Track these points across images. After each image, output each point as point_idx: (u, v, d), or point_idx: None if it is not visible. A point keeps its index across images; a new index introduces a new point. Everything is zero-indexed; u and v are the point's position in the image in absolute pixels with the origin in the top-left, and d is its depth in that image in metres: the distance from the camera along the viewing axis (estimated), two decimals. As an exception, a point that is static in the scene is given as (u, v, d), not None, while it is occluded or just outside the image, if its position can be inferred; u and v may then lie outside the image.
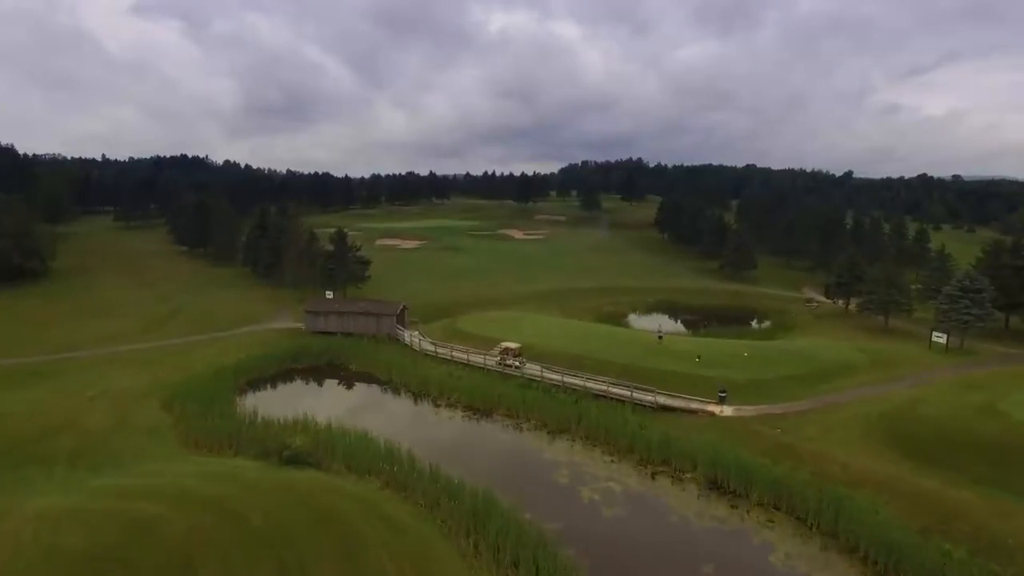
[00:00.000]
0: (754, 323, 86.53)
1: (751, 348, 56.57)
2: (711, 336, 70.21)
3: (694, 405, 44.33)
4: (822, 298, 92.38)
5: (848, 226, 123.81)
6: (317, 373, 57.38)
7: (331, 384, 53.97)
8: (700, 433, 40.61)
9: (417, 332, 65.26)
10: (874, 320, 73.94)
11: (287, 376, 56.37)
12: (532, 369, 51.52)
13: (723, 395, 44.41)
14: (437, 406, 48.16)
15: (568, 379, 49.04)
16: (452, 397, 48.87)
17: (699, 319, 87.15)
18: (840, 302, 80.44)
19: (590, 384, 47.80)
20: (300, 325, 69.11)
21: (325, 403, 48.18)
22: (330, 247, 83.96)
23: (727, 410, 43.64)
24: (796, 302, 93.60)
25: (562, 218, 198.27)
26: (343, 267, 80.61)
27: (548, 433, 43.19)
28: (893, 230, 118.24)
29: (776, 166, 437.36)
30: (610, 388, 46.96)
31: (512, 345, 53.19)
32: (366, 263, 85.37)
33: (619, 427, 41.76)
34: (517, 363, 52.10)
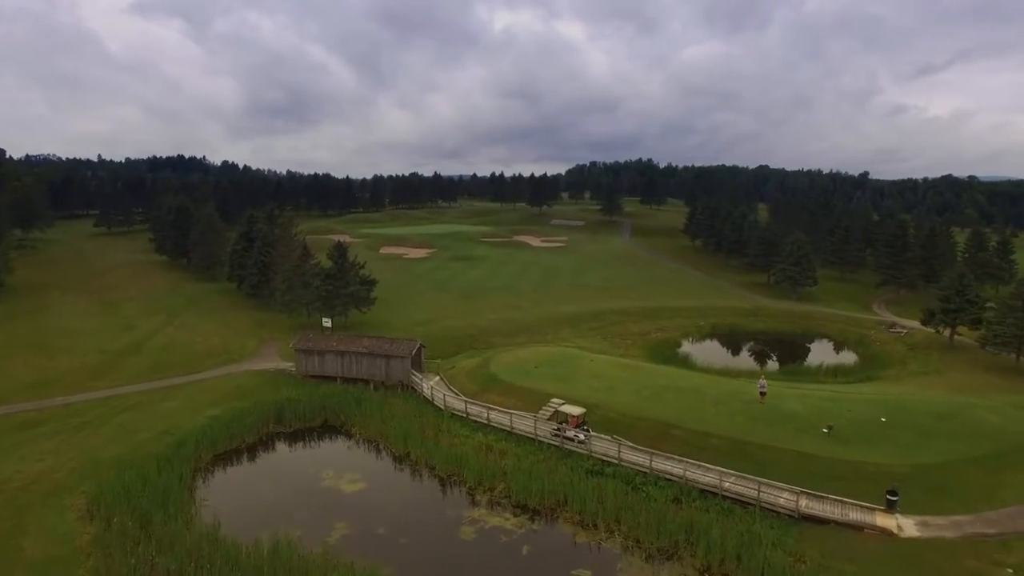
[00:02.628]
0: (829, 347, 72.90)
1: (880, 405, 42.55)
2: (810, 381, 56.47)
3: (854, 515, 30.33)
4: (908, 322, 78.43)
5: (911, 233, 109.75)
6: (308, 441, 43.44)
7: (327, 461, 39.92)
8: (883, 570, 26.71)
9: (438, 378, 51.36)
10: (998, 357, 59.98)
11: (268, 445, 42.39)
12: (603, 445, 37.60)
13: (894, 499, 30.44)
14: (475, 503, 34.14)
15: (659, 464, 35.09)
16: (496, 490, 34.86)
17: (766, 348, 73.49)
18: (945, 331, 66.27)
19: (694, 474, 33.84)
20: (290, 364, 55.33)
21: (317, 502, 34.25)
22: (328, 262, 70.09)
23: (907, 524, 29.64)
24: (874, 326, 79.57)
25: (580, 223, 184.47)
26: (344, 288, 66.70)
27: (646, 558, 29.16)
28: (970, 239, 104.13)
29: (778, 166, 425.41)
30: (724, 482, 33.01)
31: (574, 411, 39.20)
32: (371, 283, 71.43)
33: (754, 554, 27.81)
34: (581, 436, 38.15)
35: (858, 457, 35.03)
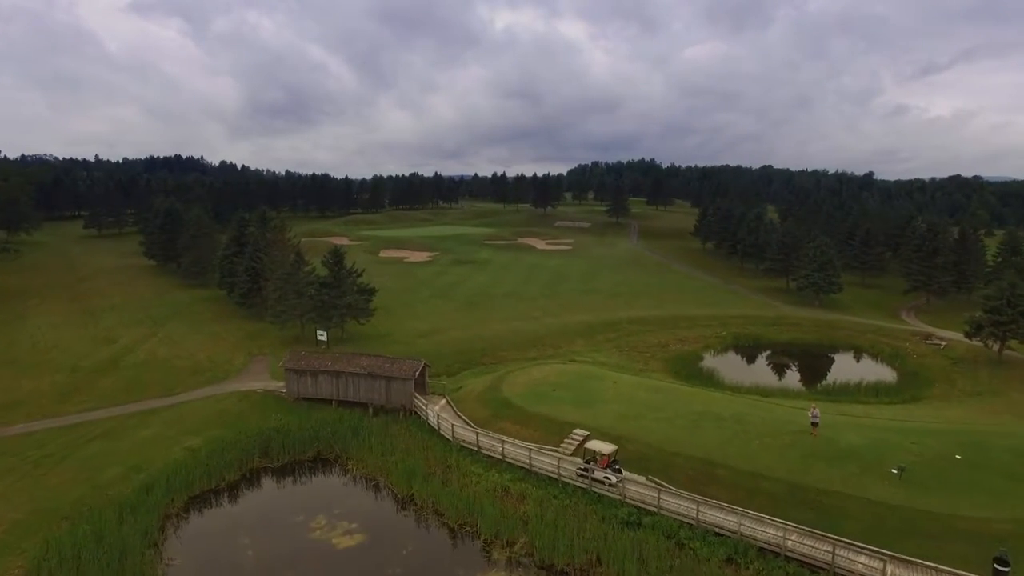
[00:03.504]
0: (864, 361, 67.69)
1: (949, 438, 37.39)
2: (851, 402, 51.37)
3: (955, 588, 25.11)
4: (945, 333, 73.21)
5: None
6: (298, 478, 38.23)
7: (319, 504, 34.62)
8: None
9: (444, 401, 46.14)
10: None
11: (252, 484, 37.15)
12: (639, 489, 32.35)
13: (1005, 569, 25.18)
14: (492, 562, 28.93)
15: (707, 514, 29.85)
16: (516, 545, 29.64)
17: (789, 360, 68.44)
18: (994, 344, 61.06)
19: (750, 528, 28.60)
20: (280, 384, 50.11)
21: (306, 561, 29.00)
22: (324, 268, 64.90)
23: (1021, 601, 24.40)
24: (908, 337, 74.24)
25: (585, 224, 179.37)
26: (340, 298, 61.47)
27: (702, 642, 23.98)
28: (1004, 242, 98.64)
29: (780, 166, 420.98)
30: (787, 539, 27.78)
31: (604, 449, 33.89)
32: (370, 292, 66.21)
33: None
34: (613, 478, 32.91)
35: (943, 508, 29.75)
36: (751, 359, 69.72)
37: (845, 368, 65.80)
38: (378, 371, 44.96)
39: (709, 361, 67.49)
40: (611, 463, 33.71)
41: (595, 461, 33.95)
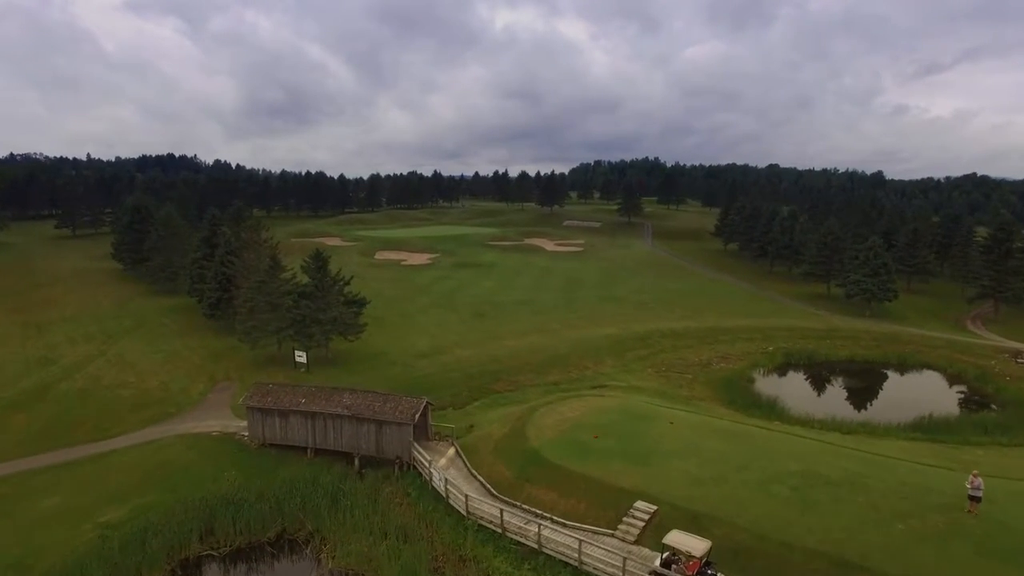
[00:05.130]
0: (941, 384, 57.23)
1: None
2: (956, 442, 40.97)
3: None
4: (1036, 350, 62.80)
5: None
6: (253, 567, 27.54)
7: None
8: None
9: (452, 450, 35.42)
10: None
11: (186, 584, 26.48)
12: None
13: None
14: None
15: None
16: None
17: (864, 383, 58.10)
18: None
19: None
20: (243, 424, 39.43)
21: None
22: (302, 274, 54.29)
23: None
24: (993, 354, 63.72)
25: (596, 224, 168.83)
26: (324, 312, 50.78)
27: None
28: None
29: (786, 165, 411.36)
30: None
31: (694, 549, 23.11)
32: (360, 303, 55.49)
33: None
34: (708, 592, 22.24)
35: None
36: (811, 381, 59.22)
37: (927, 393, 55.13)
38: (366, 413, 34.27)
39: (762, 384, 56.99)
40: (703, 566, 23.02)
41: (677, 562, 23.28)
